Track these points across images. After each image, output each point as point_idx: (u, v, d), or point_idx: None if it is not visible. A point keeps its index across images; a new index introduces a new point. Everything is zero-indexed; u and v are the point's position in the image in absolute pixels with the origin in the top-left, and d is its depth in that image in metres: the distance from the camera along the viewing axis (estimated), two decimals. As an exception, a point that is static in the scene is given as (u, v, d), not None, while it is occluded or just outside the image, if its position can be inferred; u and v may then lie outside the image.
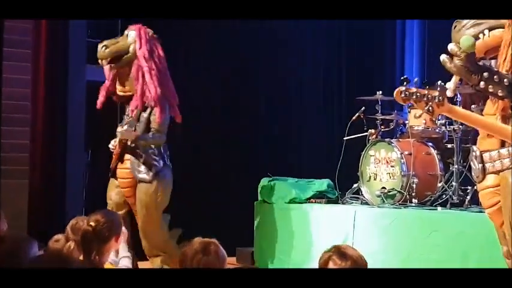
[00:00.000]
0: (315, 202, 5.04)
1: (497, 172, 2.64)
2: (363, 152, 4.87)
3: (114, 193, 3.95)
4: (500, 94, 2.71)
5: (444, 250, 3.95)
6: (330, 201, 5.01)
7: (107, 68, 3.96)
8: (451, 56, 2.56)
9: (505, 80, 2.70)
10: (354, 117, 4.89)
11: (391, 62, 7.34)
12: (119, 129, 3.86)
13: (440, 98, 2.57)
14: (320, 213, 4.83)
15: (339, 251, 2.05)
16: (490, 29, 2.75)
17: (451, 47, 2.65)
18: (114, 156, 3.97)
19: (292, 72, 6.95)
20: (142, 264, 4.13)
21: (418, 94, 2.59)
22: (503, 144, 2.63)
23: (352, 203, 5.02)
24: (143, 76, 3.87)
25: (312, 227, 4.76)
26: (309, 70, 7.15)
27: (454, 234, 3.94)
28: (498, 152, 2.67)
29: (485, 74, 2.67)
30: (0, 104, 4.25)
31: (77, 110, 4.51)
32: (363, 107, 5.01)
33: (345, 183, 5.12)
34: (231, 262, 4.12)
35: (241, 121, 5.97)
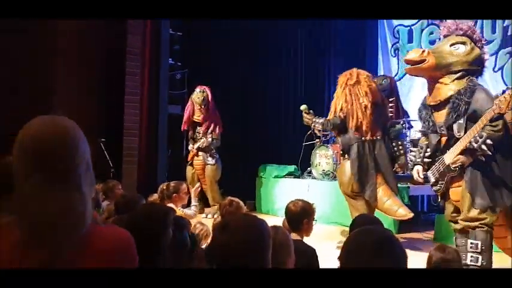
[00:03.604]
0: (288, 177, 7.30)
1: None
2: (313, 150, 6.82)
3: (190, 174, 6.85)
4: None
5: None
6: (296, 177, 7.30)
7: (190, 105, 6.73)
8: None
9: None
10: (308, 133, 6.54)
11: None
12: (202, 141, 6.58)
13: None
14: (290, 183, 7.04)
15: None
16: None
17: None
18: (191, 153, 6.85)
19: (279, 77, 8.48)
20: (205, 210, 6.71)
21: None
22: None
23: (307, 178, 7.00)
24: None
25: (286, 190, 6.86)
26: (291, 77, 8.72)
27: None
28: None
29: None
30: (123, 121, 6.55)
31: (162, 129, 6.95)
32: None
33: (304, 167, 7.12)
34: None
35: (251, 125, 7.93)
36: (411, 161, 6.74)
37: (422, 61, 3.48)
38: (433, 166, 3.63)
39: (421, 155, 3.74)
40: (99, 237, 1.21)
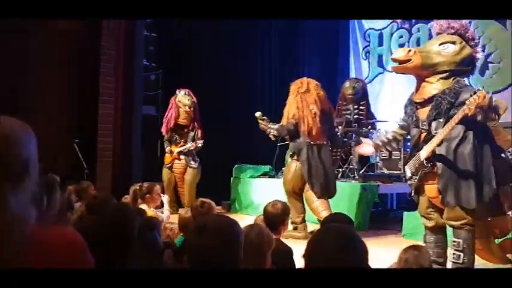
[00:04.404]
0: (263, 177, 7.41)
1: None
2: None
3: (167, 177, 6.78)
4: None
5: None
6: (270, 176, 7.34)
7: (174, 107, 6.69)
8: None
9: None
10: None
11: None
12: (188, 144, 6.60)
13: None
14: (265, 182, 7.16)
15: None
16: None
17: None
18: (172, 156, 6.79)
19: (253, 77, 8.56)
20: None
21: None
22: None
23: (282, 178, 6.59)
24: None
25: (260, 189, 7.00)
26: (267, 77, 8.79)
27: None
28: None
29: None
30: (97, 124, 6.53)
31: (136, 130, 6.95)
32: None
33: (279, 167, 7.10)
34: (218, 209, 5.42)
35: (225, 125, 7.90)
36: (381, 160, 7.07)
37: (408, 60, 3.48)
38: (410, 161, 3.67)
39: (383, 136, 3.88)
40: (42, 239, 1.17)
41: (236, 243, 1.60)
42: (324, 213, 5.02)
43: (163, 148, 7.20)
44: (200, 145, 6.83)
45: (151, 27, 7.67)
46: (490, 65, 7.13)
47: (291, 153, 5.51)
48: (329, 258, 1.41)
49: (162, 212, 4.90)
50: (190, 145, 6.82)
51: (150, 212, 4.28)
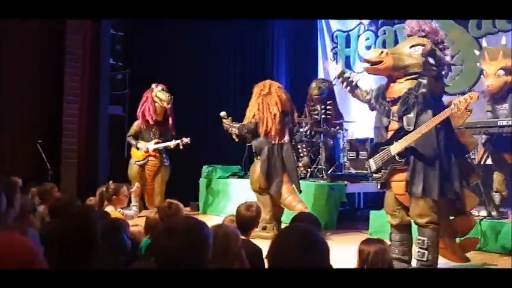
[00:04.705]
0: (232, 178, 7.40)
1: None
2: None
3: (137, 174, 6.63)
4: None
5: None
6: (240, 177, 7.31)
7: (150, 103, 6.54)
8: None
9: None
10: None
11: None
12: (173, 141, 6.48)
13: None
14: (234, 183, 7.13)
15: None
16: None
17: None
18: (146, 153, 6.62)
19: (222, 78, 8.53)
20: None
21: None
22: None
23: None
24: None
25: (230, 190, 7.04)
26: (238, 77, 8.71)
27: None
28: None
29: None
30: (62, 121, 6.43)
31: (103, 130, 6.87)
32: None
33: (248, 167, 6.48)
34: (186, 210, 5.55)
35: (194, 125, 7.74)
36: (348, 160, 7.16)
37: (380, 62, 3.54)
38: (377, 155, 3.68)
39: (354, 77, 3.95)
40: None
41: (205, 244, 1.60)
42: (299, 206, 5.23)
43: (131, 147, 7.00)
44: (186, 143, 6.72)
45: (118, 25, 7.55)
46: (453, 67, 7.32)
47: (254, 152, 5.67)
48: (290, 258, 1.42)
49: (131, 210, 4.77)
50: (174, 142, 6.66)
51: (117, 213, 4.25)
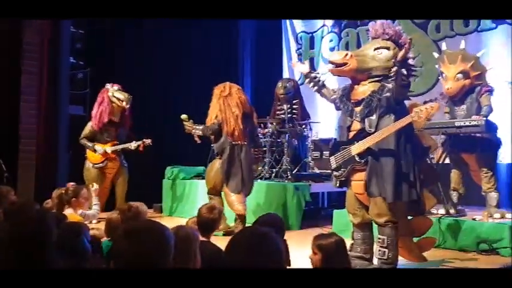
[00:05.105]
0: (196, 179, 7.22)
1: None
2: None
3: (96, 176, 6.48)
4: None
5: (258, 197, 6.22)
6: (203, 178, 6.49)
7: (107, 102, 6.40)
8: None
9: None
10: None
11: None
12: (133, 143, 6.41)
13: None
14: (198, 184, 6.93)
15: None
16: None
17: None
18: (104, 156, 6.47)
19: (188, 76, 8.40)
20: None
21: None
22: None
23: None
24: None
25: (193, 191, 6.96)
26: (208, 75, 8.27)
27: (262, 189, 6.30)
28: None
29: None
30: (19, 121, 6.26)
31: (62, 131, 6.71)
32: None
33: None
34: (149, 212, 5.89)
35: (156, 126, 7.70)
36: (312, 160, 7.23)
37: (344, 64, 3.58)
38: (338, 153, 3.74)
39: (320, 77, 3.98)
40: None
41: (165, 247, 1.60)
42: (239, 207, 5.53)
43: (85, 150, 6.76)
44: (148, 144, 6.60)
45: (79, 23, 7.37)
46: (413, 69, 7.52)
47: (215, 152, 5.80)
48: (239, 259, 1.47)
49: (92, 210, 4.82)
50: (135, 143, 6.51)
51: (76, 216, 4.17)
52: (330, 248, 2.35)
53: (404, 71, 3.51)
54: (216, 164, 5.72)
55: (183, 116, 5.76)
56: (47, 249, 1.84)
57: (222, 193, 5.77)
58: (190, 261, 2.02)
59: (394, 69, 3.48)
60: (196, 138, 5.76)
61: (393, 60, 3.54)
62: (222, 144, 5.63)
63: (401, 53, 3.49)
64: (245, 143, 5.68)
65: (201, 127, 5.68)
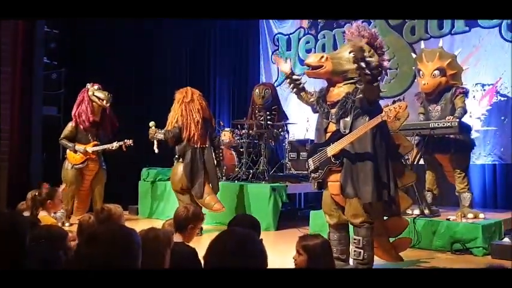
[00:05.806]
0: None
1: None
2: None
3: (75, 178, 6.38)
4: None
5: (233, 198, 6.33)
6: None
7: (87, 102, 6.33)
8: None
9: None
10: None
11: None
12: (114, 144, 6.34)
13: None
14: None
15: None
16: None
17: None
18: (84, 156, 6.38)
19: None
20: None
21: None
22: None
23: None
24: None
25: (170, 193, 6.66)
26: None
27: (239, 190, 6.37)
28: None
29: None
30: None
31: (36, 132, 6.52)
32: None
33: None
34: (125, 214, 5.74)
35: (132, 126, 7.36)
36: (289, 161, 7.27)
37: (320, 66, 3.60)
38: (315, 155, 3.75)
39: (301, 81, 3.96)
40: None
41: (129, 250, 1.59)
42: (216, 206, 5.74)
43: (65, 150, 6.67)
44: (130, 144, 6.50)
45: (53, 23, 7.23)
46: (388, 71, 7.61)
47: (176, 156, 5.93)
48: (220, 260, 1.48)
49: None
50: (117, 144, 6.41)
51: (51, 219, 4.10)
52: (315, 250, 2.36)
53: (363, 64, 3.48)
54: (179, 168, 5.88)
55: (151, 123, 5.87)
56: (21, 253, 1.82)
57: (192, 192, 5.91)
58: (160, 263, 2.01)
59: (355, 66, 3.51)
60: (155, 147, 5.86)
61: (354, 59, 3.59)
62: (183, 148, 5.82)
63: (357, 52, 3.49)
64: (206, 145, 5.87)
65: (163, 131, 5.83)
